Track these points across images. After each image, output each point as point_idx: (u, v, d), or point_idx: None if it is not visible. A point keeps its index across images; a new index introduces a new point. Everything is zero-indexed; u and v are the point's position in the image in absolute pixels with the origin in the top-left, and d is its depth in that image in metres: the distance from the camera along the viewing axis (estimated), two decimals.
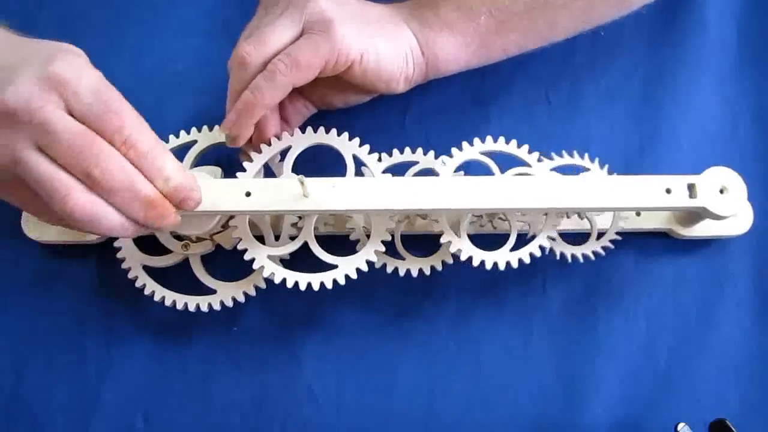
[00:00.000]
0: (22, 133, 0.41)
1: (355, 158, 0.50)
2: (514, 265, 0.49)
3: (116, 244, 0.52)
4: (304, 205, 0.47)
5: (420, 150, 0.53)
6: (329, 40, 0.47)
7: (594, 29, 0.56)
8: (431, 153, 0.53)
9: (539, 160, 0.51)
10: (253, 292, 0.51)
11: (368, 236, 0.50)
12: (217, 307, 0.51)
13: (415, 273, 0.51)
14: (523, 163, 0.51)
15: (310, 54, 0.47)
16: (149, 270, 0.52)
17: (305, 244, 0.50)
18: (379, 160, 0.52)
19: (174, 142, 0.53)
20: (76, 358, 0.54)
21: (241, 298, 0.51)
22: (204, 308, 0.51)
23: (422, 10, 0.52)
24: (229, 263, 0.52)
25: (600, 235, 0.52)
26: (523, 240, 0.50)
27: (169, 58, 0.59)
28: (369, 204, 0.47)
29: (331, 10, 0.48)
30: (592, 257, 0.51)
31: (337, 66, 0.48)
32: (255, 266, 0.49)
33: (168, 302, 0.51)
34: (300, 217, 0.51)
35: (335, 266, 0.49)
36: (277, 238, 0.52)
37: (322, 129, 0.51)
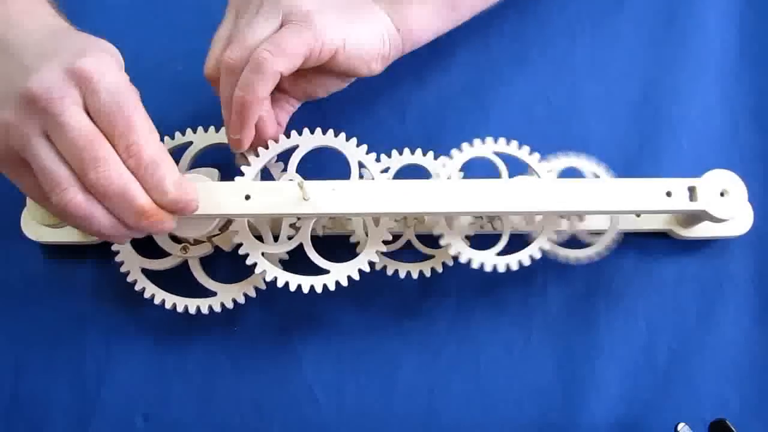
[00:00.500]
0: (37, 119, 0.42)
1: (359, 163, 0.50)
2: (514, 267, 0.49)
3: (114, 248, 0.52)
4: (304, 208, 0.47)
5: (419, 151, 0.53)
6: (311, 29, 0.47)
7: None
8: (430, 153, 0.53)
9: (541, 160, 0.51)
10: (253, 294, 0.51)
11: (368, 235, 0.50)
12: (217, 309, 0.51)
13: (415, 275, 0.51)
14: (524, 165, 0.51)
15: (294, 40, 0.47)
16: (148, 273, 0.52)
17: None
18: (378, 160, 0.51)
19: (170, 143, 0.53)
20: (76, 358, 0.54)
21: (242, 300, 0.51)
22: (204, 310, 0.51)
23: None
24: (228, 264, 0.52)
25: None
26: (523, 241, 0.50)
27: (169, 58, 0.59)
28: (370, 207, 0.47)
29: (307, 1, 0.48)
30: (593, 259, 0.51)
31: (321, 55, 0.48)
32: (257, 270, 0.49)
33: (168, 305, 0.51)
34: (299, 218, 0.51)
35: (336, 266, 0.49)
36: (276, 238, 0.52)
37: (330, 132, 0.51)
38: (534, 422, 0.52)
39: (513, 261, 0.49)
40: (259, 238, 0.51)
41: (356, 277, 0.49)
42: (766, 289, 0.55)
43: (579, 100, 0.59)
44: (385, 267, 0.52)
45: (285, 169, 0.51)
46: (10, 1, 0.47)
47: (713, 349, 0.53)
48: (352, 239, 0.52)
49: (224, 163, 0.53)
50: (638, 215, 0.54)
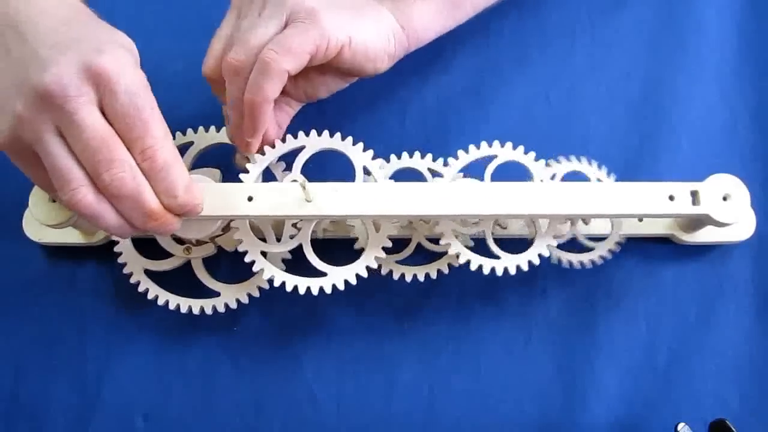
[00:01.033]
0: (51, 115, 0.41)
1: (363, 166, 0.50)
2: (512, 272, 0.49)
3: (116, 249, 0.52)
4: (307, 210, 0.47)
5: (417, 154, 0.52)
6: (317, 26, 0.47)
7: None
8: (428, 156, 0.52)
9: (539, 159, 0.51)
10: (256, 294, 0.51)
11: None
12: (221, 309, 0.51)
13: (421, 278, 0.51)
14: (524, 168, 0.51)
15: (300, 39, 0.46)
16: (151, 274, 0.52)
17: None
18: (374, 157, 0.51)
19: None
20: (77, 358, 0.54)
21: (245, 300, 0.51)
22: (208, 311, 0.51)
23: None
24: (230, 264, 0.52)
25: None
26: (525, 244, 0.50)
27: (169, 58, 0.59)
28: (372, 209, 0.47)
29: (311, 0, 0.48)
30: (595, 264, 0.52)
31: (327, 52, 0.48)
32: (255, 268, 0.49)
33: (172, 306, 0.51)
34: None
35: (334, 269, 0.49)
36: (279, 239, 0.52)
37: (338, 135, 0.51)
38: (534, 422, 0.53)
39: (511, 265, 0.49)
40: (263, 239, 0.51)
41: (354, 282, 0.49)
42: (766, 289, 0.55)
43: (579, 100, 0.59)
44: (390, 272, 0.52)
45: (287, 169, 0.51)
46: None
47: (713, 350, 0.54)
48: (356, 246, 0.52)
49: (224, 162, 0.53)
50: (641, 219, 0.54)
